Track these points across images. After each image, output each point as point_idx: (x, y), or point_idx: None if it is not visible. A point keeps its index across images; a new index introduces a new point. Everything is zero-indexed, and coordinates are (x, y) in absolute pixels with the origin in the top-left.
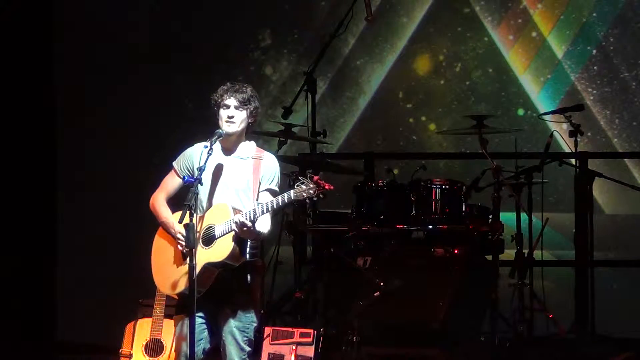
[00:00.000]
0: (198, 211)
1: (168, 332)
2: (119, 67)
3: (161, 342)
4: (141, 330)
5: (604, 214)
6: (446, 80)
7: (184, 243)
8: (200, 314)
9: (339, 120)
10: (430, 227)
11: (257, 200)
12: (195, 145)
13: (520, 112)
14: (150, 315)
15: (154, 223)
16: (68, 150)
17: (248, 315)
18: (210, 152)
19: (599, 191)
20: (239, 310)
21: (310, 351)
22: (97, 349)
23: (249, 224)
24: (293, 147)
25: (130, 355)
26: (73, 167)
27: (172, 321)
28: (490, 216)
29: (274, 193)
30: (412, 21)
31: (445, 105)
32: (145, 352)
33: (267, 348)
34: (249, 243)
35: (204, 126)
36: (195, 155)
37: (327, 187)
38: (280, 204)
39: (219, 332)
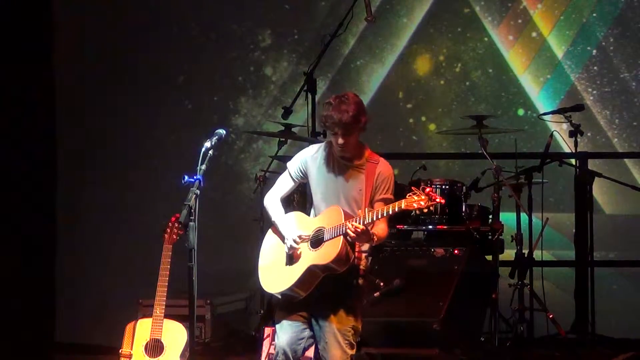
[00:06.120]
0: (311, 214)
1: (168, 332)
2: (118, 66)
3: (161, 342)
4: (141, 330)
5: (604, 214)
6: (446, 80)
7: (295, 246)
8: (303, 313)
9: None
10: (430, 227)
11: (371, 206)
12: (310, 146)
13: (520, 112)
14: (150, 315)
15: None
16: (68, 150)
17: (350, 317)
18: (211, 153)
19: (599, 191)
20: (342, 312)
21: (310, 351)
22: (97, 349)
23: (362, 227)
24: (293, 148)
25: (130, 356)
26: (73, 167)
27: (172, 321)
28: (490, 216)
29: (389, 201)
30: (412, 21)
31: (445, 105)
32: (145, 352)
33: (267, 348)
34: (356, 248)
35: (204, 126)
36: (308, 156)
37: (438, 200)
38: (390, 212)
39: (320, 332)
